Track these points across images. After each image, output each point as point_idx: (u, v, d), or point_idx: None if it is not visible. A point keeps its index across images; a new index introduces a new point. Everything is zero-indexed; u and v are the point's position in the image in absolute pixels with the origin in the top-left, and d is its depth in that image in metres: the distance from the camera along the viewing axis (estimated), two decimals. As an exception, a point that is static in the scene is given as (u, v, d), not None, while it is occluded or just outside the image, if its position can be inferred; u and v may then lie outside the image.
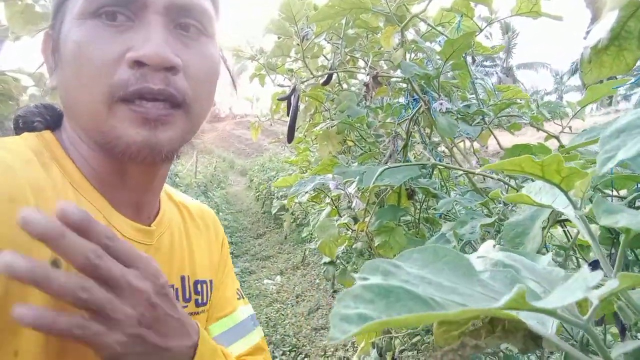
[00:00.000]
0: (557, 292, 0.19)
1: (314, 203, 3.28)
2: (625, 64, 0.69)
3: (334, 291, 5.43)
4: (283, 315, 4.69)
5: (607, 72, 0.71)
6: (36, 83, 1.23)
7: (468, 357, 0.36)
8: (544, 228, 0.62)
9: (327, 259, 1.76)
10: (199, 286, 0.67)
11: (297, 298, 5.23)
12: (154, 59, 0.47)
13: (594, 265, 0.76)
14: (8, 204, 0.44)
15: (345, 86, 1.78)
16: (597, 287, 0.22)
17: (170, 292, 0.49)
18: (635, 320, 0.31)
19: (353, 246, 1.72)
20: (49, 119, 0.58)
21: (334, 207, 1.56)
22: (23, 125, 0.57)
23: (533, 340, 0.33)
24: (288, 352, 3.82)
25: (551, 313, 0.22)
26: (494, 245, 0.34)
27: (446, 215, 1.59)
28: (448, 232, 0.85)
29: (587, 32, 0.59)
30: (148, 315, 0.45)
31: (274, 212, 7.45)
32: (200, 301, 0.67)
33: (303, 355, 3.75)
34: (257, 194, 10.52)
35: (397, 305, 0.18)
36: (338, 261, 1.81)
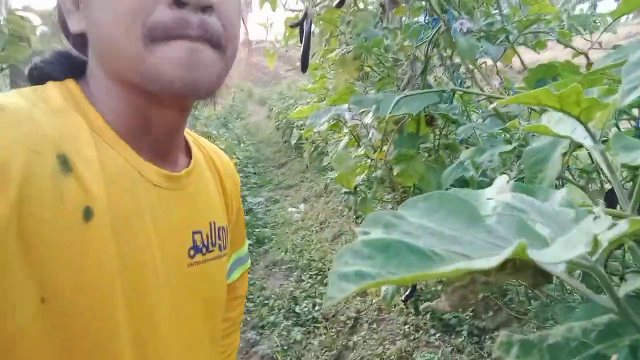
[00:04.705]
0: (559, 244, 0.18)
1: (333, 131, 3.25)
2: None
3: (357, 217, 5.54)
4: (308, 241, 4.85)
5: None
6: (45, 21, 1.20)
7: (477, 292, 0.36)
8: (564, 154, 0.60)
9: (347, 189, 1.77)
10: (221, 232, 0.67)
11: (321, 225, 5.37)
12: None
13: (611, 195, 0.74)
14: (30, 154, 0.44)
15: (361, 6, 1.69)
16: (611, 227, 0.21)
17: None
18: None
19: (373, 174, 1.72)
20: (68, 68, 0.56)
21: (352, 137, 1.54)
22: (38, 75, 0.55)
23: (543, 276, 0.33)
24: (314, 276, 4.00)
25: (554, 264, 0.21)
26: (507, 181, 0.32)
27: (467, 140, 1.56)
28: (466, 161, 0.84)
29: None
30: None
31: (293, 142, 7.45)
32: (222, 246, 0.67)
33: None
34: (277, 123, 10.43)
35: (396, 260, 0.17)
36: (359, 189, 1.82)
